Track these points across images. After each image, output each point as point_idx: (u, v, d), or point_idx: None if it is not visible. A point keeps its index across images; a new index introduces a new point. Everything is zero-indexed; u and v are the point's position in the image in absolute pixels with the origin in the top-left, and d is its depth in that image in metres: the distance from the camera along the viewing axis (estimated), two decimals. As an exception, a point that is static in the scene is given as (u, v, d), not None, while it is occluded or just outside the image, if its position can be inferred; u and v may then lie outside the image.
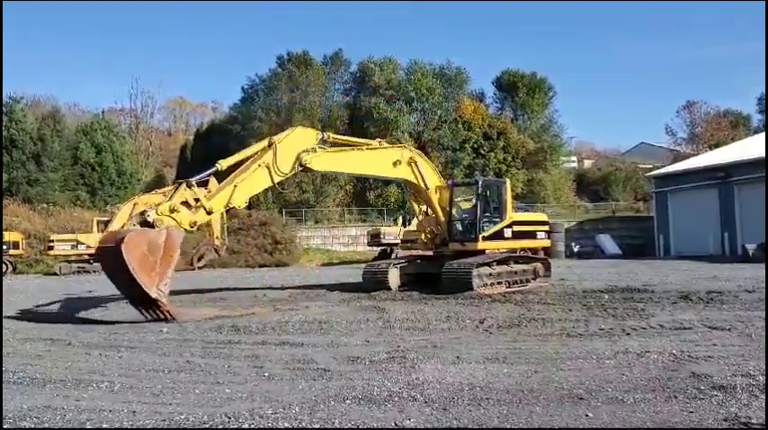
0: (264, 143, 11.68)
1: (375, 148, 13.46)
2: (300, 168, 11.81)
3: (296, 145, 11.72)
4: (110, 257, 9.46)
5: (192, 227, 10.32)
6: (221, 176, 11.59)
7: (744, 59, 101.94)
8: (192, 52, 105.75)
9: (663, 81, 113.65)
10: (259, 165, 11.21)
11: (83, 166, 42.39)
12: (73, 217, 36.10)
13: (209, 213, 10.60)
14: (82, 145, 42.85)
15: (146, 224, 9.88)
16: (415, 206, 15.41)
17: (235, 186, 10.89)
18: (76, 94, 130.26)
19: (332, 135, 12.86)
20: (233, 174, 11.16)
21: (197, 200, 10.41)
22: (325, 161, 12.27)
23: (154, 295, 9.30)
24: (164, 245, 9.53)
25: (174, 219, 9.99)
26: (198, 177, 10.86)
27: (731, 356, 6.07)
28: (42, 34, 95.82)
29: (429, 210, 14.74)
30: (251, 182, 11.21)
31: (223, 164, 11.10)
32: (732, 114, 55.40)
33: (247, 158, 11.48)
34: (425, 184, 13.79)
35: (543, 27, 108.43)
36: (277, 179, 11.45)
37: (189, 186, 10.47)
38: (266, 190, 46.75)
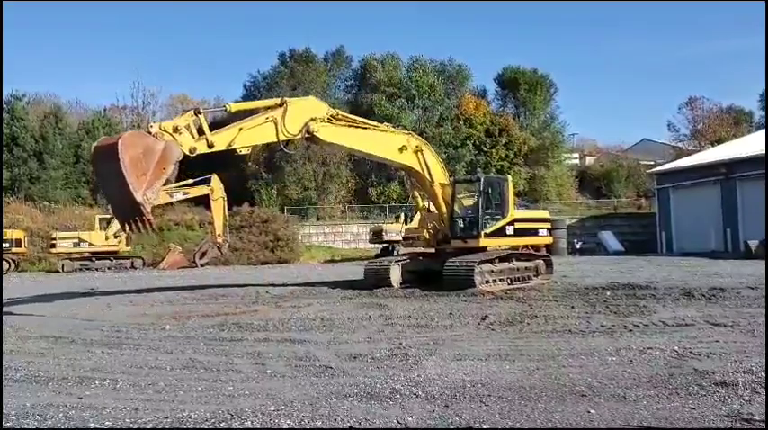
0: (277, 100, 11.70)
1: (383, 130, 13.46)
2: (307, 135, 11.76)
3: (307, 110, 11.74)
4: (104, 157, 9.23)
5: (191, 152, 10.07)
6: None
7: (745, 56, 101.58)
8: (193, 50, 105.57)
9: (665, 78, 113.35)
10: (267, 119, 11.22)
11: (85, 164, 42.32)
12: (75, 214, 36.15)
13: (209, 146, 10.41)
14: (84, 142, 42.82)
15: None
16: (419, 200, 15.37)
17: (240, 129, 10.86)
18: (78, 92, 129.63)
19: (341, 113, 12.79)
20: (241, 120, 11.18)
21: (201, 131, 10.27)
22: (332, 133, 12.19)
23: (139, 198, 9.01)
24: (160, 153, 9.35)
25: (175, 139, 9.83)
26: (207, 109, 10.68)
27: (733, 353, 6.07)
28: (43, 33, 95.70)
29: (431, 206, 14.72)
30: (256, 131, 11.16)
31: (233, 106, 11.08)
32: (734, 111, 55.25)
33: (257, 110, 11.53)
34: (430, 176, 13.76)
35: (544, 25, 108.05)
36: (282, 137, 11.37)
37: (197, 113, 10.34)
38: (267, 187, 46.20)
